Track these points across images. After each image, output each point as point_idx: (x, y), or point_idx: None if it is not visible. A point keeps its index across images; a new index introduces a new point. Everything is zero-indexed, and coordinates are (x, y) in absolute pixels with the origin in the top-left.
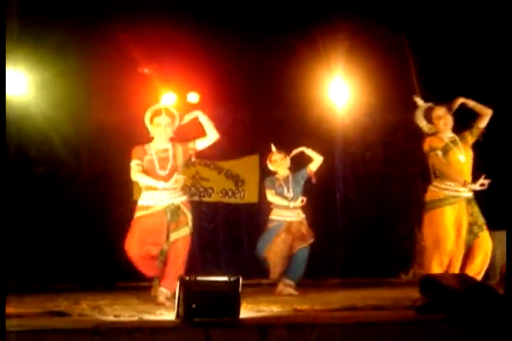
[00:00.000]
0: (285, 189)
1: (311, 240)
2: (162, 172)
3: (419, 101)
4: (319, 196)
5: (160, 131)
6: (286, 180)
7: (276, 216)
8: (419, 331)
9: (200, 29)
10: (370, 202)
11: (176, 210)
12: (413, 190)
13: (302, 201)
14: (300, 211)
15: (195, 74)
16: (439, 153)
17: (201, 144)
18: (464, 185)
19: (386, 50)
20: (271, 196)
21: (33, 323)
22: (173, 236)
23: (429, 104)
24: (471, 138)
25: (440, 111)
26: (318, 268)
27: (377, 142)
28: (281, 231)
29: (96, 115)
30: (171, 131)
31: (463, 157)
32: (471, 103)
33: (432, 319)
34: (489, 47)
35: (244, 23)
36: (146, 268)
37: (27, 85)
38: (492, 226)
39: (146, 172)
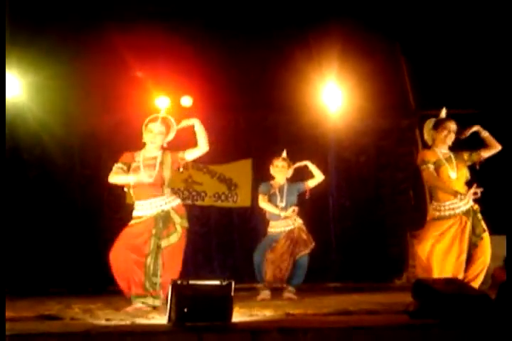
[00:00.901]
0: (278, 197)
1: (312, 245)
2: (146, 179)
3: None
4: (312, 201)
5: (150, 138)
6: (281, 188)
7: (274, 228)
8: (411, 335)
9: (193, 33)
10: (363, 206)
11: (166, 216)
12: (403, 195)
13: (294, 211)
14: (296, 217)
15: (189, 77)
16: (431, 166)
17: (191, 155)
18: (455, 196)
19: (379, 55)
20: (263, 202)
21: (25, 327)
22: (163, 243)
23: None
24: (467, 160)
25: (451, 124)
26: (312, 273)
27: (369, 146)
28: (281, 238)
29: (89, 118)
30: (161, 139)
31: (454, 174)
32: (485, 134)
33: (425, 323)
34: (481, 53)
35: (238, 28)
36: (125, 281)
37: (20, 88)
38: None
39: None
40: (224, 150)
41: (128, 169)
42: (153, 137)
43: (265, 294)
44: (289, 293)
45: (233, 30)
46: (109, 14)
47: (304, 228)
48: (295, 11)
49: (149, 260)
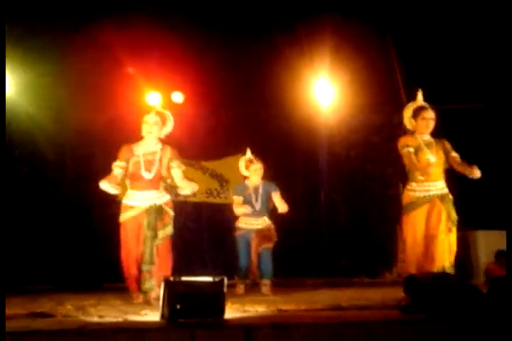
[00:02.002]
0: (253, 198)
1: (275, 239)
2: (147, 175)
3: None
4: (303, 196)
5: (147, 128)
6: (256, 188)
7: (243, 224)
8: (403, 330)
9: (184, 29)
10: (354, 201)
11: (159, 210)
12: (392, 189)
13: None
14: (266, 217)
15: (180, 73)
16: (412, 150)
17: (175, 174)
18: (430, 178)
19: (371, 49)
20: (237, 205)
21: (16, 325)
22: (161, 234)
23: (424, 104)
24: (447, 149)
25: (429, 113)
26: (304, 268)
27: (360, 142)
28: (252, 239)
29: (80, 115)
30: (158, 130)
31: (433, 158)
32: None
33: (416, 318)
34: (474, 47)
35: (229, 24)
36: (131, 283)
37: (11, 86)
38: (475, 225)
39: (131, 173)
40: (215, 146)
41: (127, 165)
42: (150, 127)
43: (240, 288)
44: (265, 287)
45: (225, 26)
46: (101, 11)
47: (273, 227)
48: (287, 6)
49: (145, 251)
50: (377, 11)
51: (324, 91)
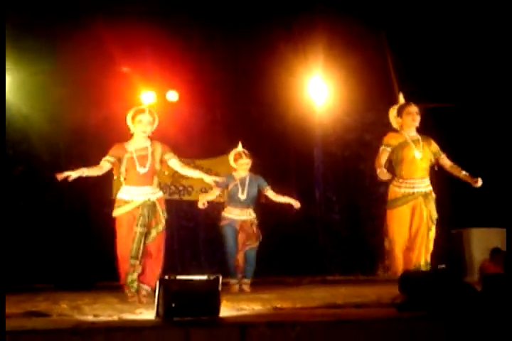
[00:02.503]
0: (240, 190)
1: (260, 239)
2: (142, 170)
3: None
4: (299, 195)
5: (141, 128)
6: (242, 180)
7: (228, 214)
8: (399, 328)
9: (179, 28)
10: (347, 199)
11: (152, 206)
12: (382, 187)
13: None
14: (251, 210)
15: (175, 72)
16: (389, 149)
17: (173, 164)
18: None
19: (365, 46)
20: (210, 193)
21: (11, 324)
22: (153, 232)
23: (407, 102)
24: (434, 150)
25: (413, 108)
26: (299, 266)
27: (353, 140)
28: (238, 230)
29: (75, 114)
30: (150, 129)
31: (419, 154)
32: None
33: (412, 316)
34: (469, 45)
35: (223, 21)
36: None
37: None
38: (470, 223)
39: (126, 169)
40: (210, 144)
41: (119, 161)
42: (145, 127)
43: (234, 288)
44: (245, 285)
45: (218, 24)
46: (96, 9)
47: (256, 222)
48: (280, 3)
49: (134, 246)
50: (370, 7)
51: (318, 89)
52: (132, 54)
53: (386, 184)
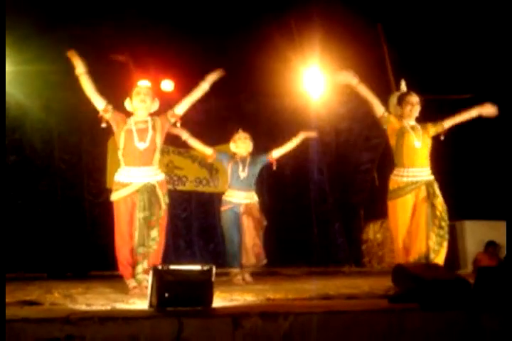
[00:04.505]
0: (240, 167)
1: (265, 223)
2: (141, 145)
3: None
4: (293, 185)
5: (140, 98)
6: (243, 159)
7: (230, 197)
8: (391, 319)
9: (174, 17)
10: (340, 189)
11: (152, 190)
12: (364, 175)
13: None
14: (254, 193)
15: (170, 62)
16: (386, 115)
17: (180, 107)
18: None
19: (361, 38)
20: (207, 150)
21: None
22: (157, 216)
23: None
24: (432, 131)
25: (413, 98)
26: (292, 257)
27: (346, 129)
28: (241, 214)
29: (69, 103)
30: (150, 101)
31: (419, 143)
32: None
33: (404, 308)
34: (466, 37)
35: (219, 12)
36: (125, 267)
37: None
38: (463, 215)
39: (124, 145)
40: (205, 135)
41: (117, 126)
42: (144, 96)
43: (238, 279)
44: (248, 275)
45: (214, 14)
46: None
47: (258, 206)
48: None
49: (137, 233)
50: None
51: (315, 81)
52: (128, 43)
53: (369, 171)
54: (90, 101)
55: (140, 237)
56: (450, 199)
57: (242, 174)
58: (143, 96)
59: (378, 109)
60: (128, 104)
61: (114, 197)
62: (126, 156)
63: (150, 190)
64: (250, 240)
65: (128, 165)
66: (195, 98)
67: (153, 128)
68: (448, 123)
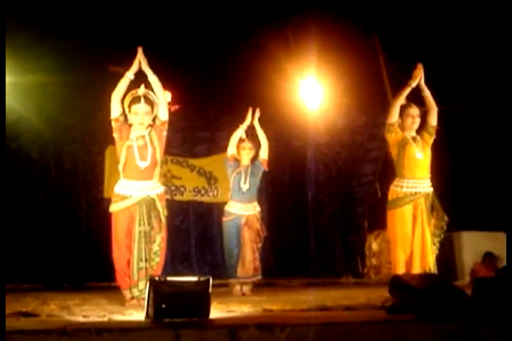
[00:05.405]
0: (242, 179)
1: (265, 234)
2: (143, 164)
3: (418, 78)
4: (292, 195)
5: (139, 120)
6: (246, 169)
7: (232, 208)
8: (388, 331)
9: (170, 27)
10: (339, 201)
11: (152, 203)
12: (365, 187)
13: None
14: (256, 204)
15: (167, 73)
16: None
17: (161, 113)
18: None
19: (358, 49)
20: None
21: None
22: (158, 239)
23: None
24: (428, 137)
25: (414, 110)
26: (290, 268)
27: (344, 141)
28: (242, 226)
29: (66, 113)
30: (148, 119)
31: (420, 154)
32: (427, 92)
33: (402, 319)
34: (461, 48)
35: (216, 22)
36: (122, 278)
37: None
38: (461, 226)
39: (125, 162)
40: (203, 146)
41: (120, 137)
42: (142, 118)
43: (236, 291)
44: (246, 287)
45: (211, 24)
46: (87, 8)
47: (259, 217)
48: (273, 3)
49: (136, 246)
50: (364, 11)
51: (312, 92)
52: (125, 54)
53: (371, 184)
54: (110, 104)
55: (139, 251)
56: (447, 210)
57: (244, 186)
58: (140, 118)
59: (396, 114)
60: (127, 114)
61: (113, 208)
62: (126, 171)
63: (150, 204)
64: (250, 254)
65: (128, 179)
66: (161, 95)
67: (152, 144)
68: (431, 119)
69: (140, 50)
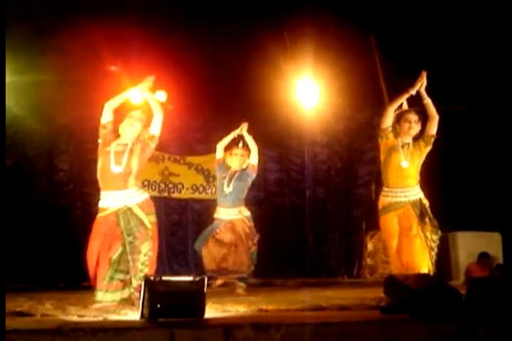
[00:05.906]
0: (225, 183)
1: (257, 237)
2: (116, 169)
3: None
4: (289, 196)
5: (130, 123)
6: (233, 174)
7: (218, 214)
8: (383, 331)
9: (167, 27)
10: (337, 201)
11: (129, 213)
12: (362, 188)
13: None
14: (243, 208)
15: (163, 72)
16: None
17: (154, 127)
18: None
19: (354, 49)
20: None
21: None
22: (144, 249)
23: (408, 108)
24: (424, 146)
25: (412, 116)
26: (285, 268)
27: (341, 142)
28: (219, 230)
29: (61, 112)
30: (139, 126)
31: (406, 163)
32: (428, 101)
33: (396, 319)
34: (458, 47)
35: (212, 22)
36: (94, 275)
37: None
38: (455, 227)
39: (101, 168)
40: (201, 144)
41: (104, 143)
42: (134, 121)
43: (218, 283)
44: (240, 289)
45: (207, 25)
46: (83, 7)
47: (247, 221)
48: (269, 2)
49: (116, 256)
50: (360, 10)
51: (307, 90)
52: (121, 53)
53: (367, 184)
54: (103, 109)
55: (123, 263)
56: (442, 210)
57: (227, 189)
58: (133, 120)
59: (389, 120)
60: (120, 125)
61: (98, 218)
62: (102, 179)
63: (128, 214)
64: (212, 255)
65: (104, 189)
66: (159, 113)
67: (131, 152)
68: (430, 128)
69: (150, 79)
